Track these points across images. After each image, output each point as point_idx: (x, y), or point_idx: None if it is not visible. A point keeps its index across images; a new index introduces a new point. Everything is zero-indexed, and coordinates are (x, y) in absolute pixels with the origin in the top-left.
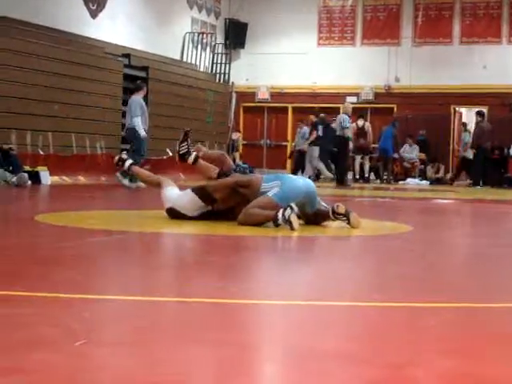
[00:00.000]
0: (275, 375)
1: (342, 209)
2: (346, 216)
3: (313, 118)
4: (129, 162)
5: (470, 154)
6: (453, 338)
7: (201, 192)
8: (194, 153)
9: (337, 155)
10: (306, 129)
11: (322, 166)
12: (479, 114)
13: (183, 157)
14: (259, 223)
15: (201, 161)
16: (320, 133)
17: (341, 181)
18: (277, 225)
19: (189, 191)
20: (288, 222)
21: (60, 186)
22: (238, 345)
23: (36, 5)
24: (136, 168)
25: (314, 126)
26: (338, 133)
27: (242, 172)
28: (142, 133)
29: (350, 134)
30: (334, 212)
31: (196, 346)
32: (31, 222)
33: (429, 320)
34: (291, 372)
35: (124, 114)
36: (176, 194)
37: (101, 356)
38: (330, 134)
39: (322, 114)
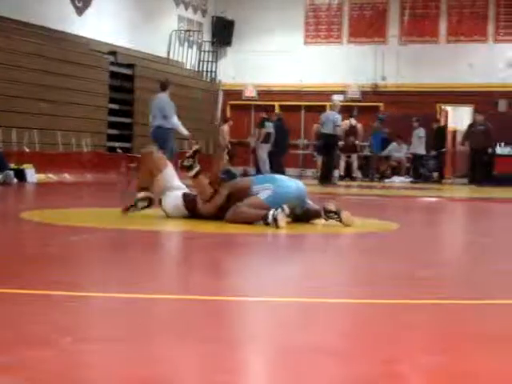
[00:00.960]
0: (264, 371)
1: (332, 206)
2: (337, 214)
3: (278, 113)
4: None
5: (421, 150)
6: (440, 334)
7: (190, 204)
8: (197, 168)
9: (327, 152)
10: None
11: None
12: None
13: (188, 168)
14: (248, 222)
15: (201, 177)
16: (271, 130)
17: (326, 178)
18: (266, 223)
19: (179, 195)
20: (275, 220)
21: (46, 183)
22: (227, 341)
23: (21, 2)
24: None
25: (260, 124)
26: (325, 131)
27: (231, 178)
28: (184, 131)
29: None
30: (325, 211)
31: (185, 343)
32: (17, 220)
33: (417, 317)
34: (279, 368)
35: (111, 112)
36: (172, 196)
37: (90, 353)
38: (280, 131)
39: (277, 111)
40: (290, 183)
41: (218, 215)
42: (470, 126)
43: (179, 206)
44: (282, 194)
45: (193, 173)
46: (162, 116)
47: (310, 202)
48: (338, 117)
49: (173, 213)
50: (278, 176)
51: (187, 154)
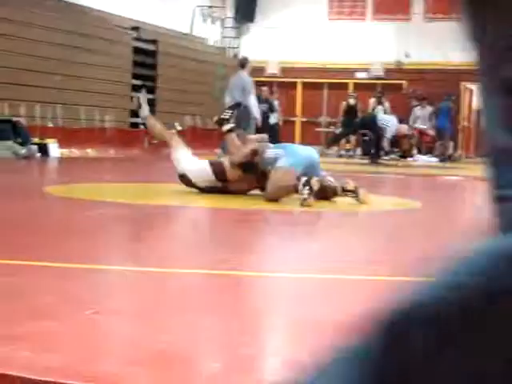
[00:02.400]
0: (278, 345)
1: (350, 186)
2: (355, 192)
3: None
4: (231, 125)
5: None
6: None
7: (217, 166)
8: (232, 124)
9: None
10: None
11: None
12: None
13: (221, 121)
14: (288, 194)
15: (232, 134)
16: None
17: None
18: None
19: (205, 161)
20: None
21: (69, 158)
22: (242, 315)
23: None
24: (151, 120)
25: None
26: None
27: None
28: (257, 114)
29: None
30: (343, 189)
31: (200, 316)
32: (41, 194)
33: None
34: (294, 343)
35: (134, 88)
36: (187, 157)
37: (106, 324)
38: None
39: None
40: (300, 148)
41: (243, 183)
42: None
43: (206, 170)
44: (294, 156)
45: (227, 128)
46: (240, 93)
47: (330, 178)
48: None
49: (198, 176)
50: (287, 144)
51: (227, 107)
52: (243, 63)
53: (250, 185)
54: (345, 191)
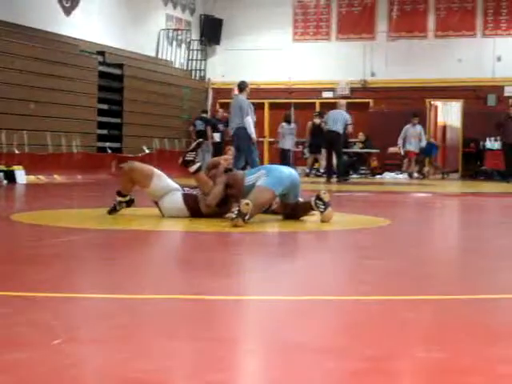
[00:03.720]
0: (255, 369)
1: (326, 197)
2: (325, 206)
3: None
4: (197, 165)
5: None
6: (433, 330)
7: (191, 202)
8: (199, 163)
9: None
10: None
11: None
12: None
13: (187, 163)
14: (260, 211)
15: (201, 173)
16: (202, 127)
17: (344, 175)
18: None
19: (179, 197)
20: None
21: (36, 185)
22: (218, 340)
23: (8, 2)
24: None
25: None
26: (333, 128)
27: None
28: (253, 134)
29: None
30: (318, 197)
31: (175, 342)
32: (7, 222)
33: (409, 313)
34: (271, 365)
35: (100, 112)
36: (167, 190)
37: (79, 354)
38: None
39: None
40: (283, 168)
41: (219, 212)
42: (504, 118)
43: (179, 207)
44: (277, 176)
45: (194, 169)
46: (241, 116)
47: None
48: (348, 116)
49: (171, 213)
50: (269, 165)
51: (190, 148)
52: (241, 87)
53: (227, 212)
54: (317, 200)
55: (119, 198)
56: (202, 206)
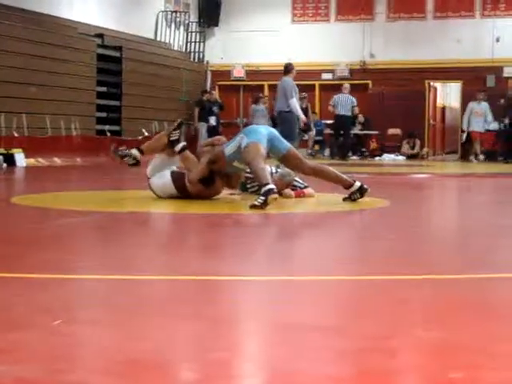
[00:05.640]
0: (256, 348)
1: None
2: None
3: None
4: (182, 144)
5: None
6: (432, 309)
7: (179, 180)
8: (183, 143)
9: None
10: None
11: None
12: None
13: (172, 143)
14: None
15: (187, 152)
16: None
17: (343, 156)
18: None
19: (168, 174)
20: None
21: (35, 167)
22: (217, 320)
23: None
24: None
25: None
26: (341, 112)
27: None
28: (301, 115)
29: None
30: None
31: (175, 323)
32: (8, 204)
33: (408, 292)
34: (273, 344)
35: (99, 95)
36: (159, 169)
37: (79, 334)
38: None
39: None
40: (258, 127)
41: (206, 194)
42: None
43: (167, 185)
44: (256, 133)
45: (178, 148)
46: (284, 99)
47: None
48: (354, 99)
49: (161, 192)
50: (245, 128)
51: (172, 128)
52: (287, 69)
53: (216, 192)
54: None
55: (136, 152)
56: (187, 183)
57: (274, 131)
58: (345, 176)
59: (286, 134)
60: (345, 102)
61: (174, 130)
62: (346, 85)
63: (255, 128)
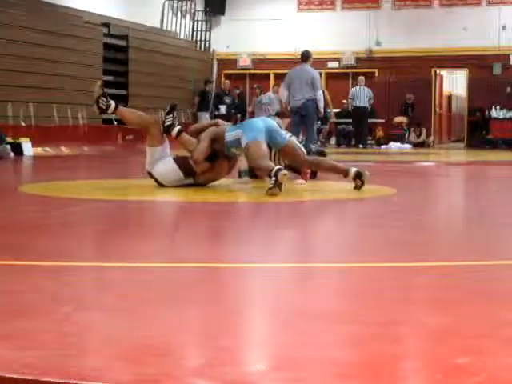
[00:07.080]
0: (262, 335)
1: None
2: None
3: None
4: (178, 127)
5: None
6: (441, 296)
7: (182, 162)
8: (179, 126)
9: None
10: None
11: None
12: None
13: (167, 129)
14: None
15: (184, 134)
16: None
17: (364, 144)
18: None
19: (170, 160)
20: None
21: (43, 156)
22: (226, 307)
23: None
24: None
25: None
26: (358, 104)
27: None
28: (322, 108)
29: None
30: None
31: (182, 310)
32: (15, 193)
33: (416, 279)
34: (278, 332)
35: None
36: (161, 157)
37: (88, 321)
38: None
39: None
40: (254, 120)
41: (214, 173)
42: None
43: (172, 171)
44: (252, 129)
45: (175, 132)
46: (310, 88)
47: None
48: (369, 90)
49: (165, 179)
50: (243, 122)
51: (165, 112)
52: (306, 56)
53: (224, 171)
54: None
55: (112, 103)
56: (194, 165)
57: (273, 123)
58: (340, 164)
59: (310, 122)
60: (361, 94)
61: (167, 114)
62: (361, 77)
63: (252, 123)
